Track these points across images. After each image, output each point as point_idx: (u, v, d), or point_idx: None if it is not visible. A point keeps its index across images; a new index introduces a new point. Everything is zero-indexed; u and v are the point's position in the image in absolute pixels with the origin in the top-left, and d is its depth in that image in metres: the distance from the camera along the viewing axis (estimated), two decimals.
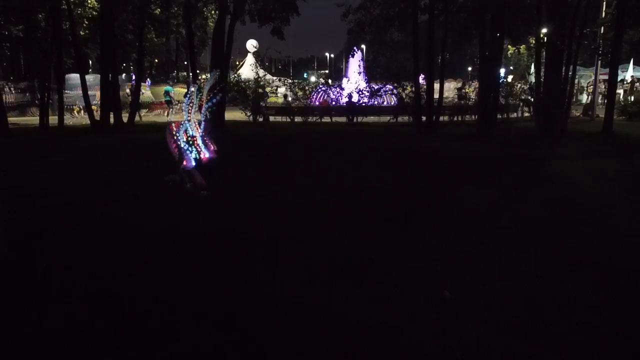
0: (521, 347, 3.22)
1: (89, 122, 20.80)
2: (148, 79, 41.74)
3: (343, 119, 24.30)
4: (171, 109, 27.59)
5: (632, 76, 31.15)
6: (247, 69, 33.23)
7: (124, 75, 38.41)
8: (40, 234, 5.77)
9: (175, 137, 7.83)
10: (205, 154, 7.95)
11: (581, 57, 23.45)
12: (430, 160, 11.84)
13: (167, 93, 28.69)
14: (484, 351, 3.18)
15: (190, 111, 8.06)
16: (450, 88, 28.27)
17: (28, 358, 3.17)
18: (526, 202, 7.30)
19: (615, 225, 6.09)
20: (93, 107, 21.71)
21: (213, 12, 27.17)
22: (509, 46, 40.61)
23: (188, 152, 7.74)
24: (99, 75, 23.72)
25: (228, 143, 15.45)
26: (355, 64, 29.99)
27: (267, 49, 42.96)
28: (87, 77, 23.89)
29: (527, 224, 6.12)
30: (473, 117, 23.71)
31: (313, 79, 49.48)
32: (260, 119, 24.45)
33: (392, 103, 25.88)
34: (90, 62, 43.59)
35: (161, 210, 6.82)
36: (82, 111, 25.64)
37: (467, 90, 25.51)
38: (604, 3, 22.29)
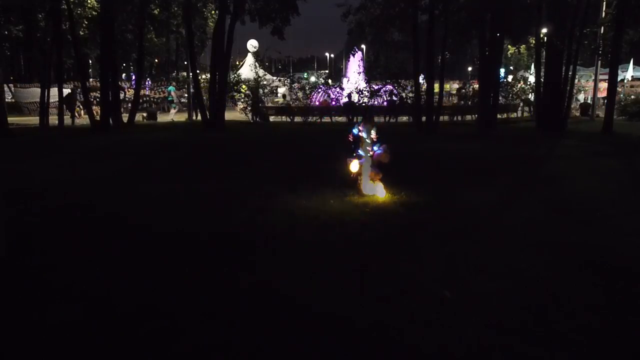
0: (521, 347, 3.23)
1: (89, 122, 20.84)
2: (148, 79, 41.73)
3: (343, 119, 24.30)
4: (174, 109, 27.59)
5: (631, 76, 31.16)
6: (247, 69, 33.19)
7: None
8: (40, 236, 5.77)
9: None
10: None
11: (581, 57, 23.44)
12: (430, 160, 11.84)
13: (169, 93, 28.76)
14: (484, 351, 3.18)
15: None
16: (452, 88, 28.30)
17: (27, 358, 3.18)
18: (526, 202, 7.30)
19: (616, 225, 6.09)
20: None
21: (213, 12, 27.18)
22: (509, 46, 40.59)
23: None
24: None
25: (227, 143, 15.53)
26: (355, 64, 29.98)
27: (267, 49, 42.90)
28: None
29: (527, 223, 6.12)
30: (473, 117, 23.73)
31: (313, 78, 49.45)
32: (258, 119, 24.46)
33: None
34: (90, 62, 43.59)
35: (164, 212, 6.83)
36: (83, 111, 25.65)
37: (466, 90, 25.54)
38: (604, 3, 22.28)
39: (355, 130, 7.64)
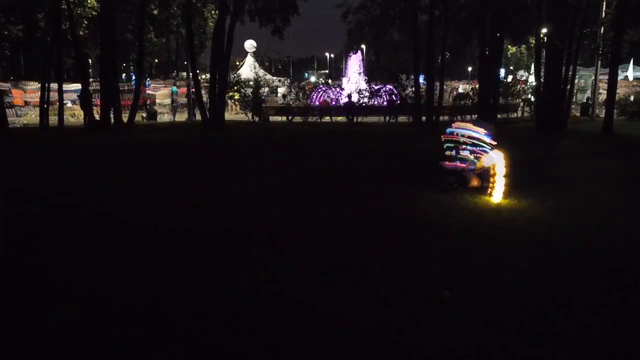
0: (521, 347, 3.22)
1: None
2: (148, 79, 41.64)
3: (343, 119, 24.32)
4: (174, 110, 27.55)
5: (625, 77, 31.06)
6: (247, 69, 33.20)
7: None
8: (40, 236, 5.77)
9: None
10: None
11: (581, 57, 23.43)
12: (431, 159, 11.80)
13: (171, 93, 28.71)
14: (484, 351, 3.18)
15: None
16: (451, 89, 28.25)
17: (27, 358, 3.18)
18: (526, 202, 7.28)
19: (616, 225, 6.08)
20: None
21: (213, 12, 27.19)
22: (509, 46, 40.58)
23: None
24: None
25: (230, 143, 15.54)
26: (355, 64, 29.97)
27: (266, 49, 42.89)
28: None
29: (527, 223, 6.12)
30: (473, 117, 23.71)
31: (313, 79, 49.44)
32: (257, 119, 24.48)
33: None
34: (90, 62, 43.54)
35: (162, 211, 6.82)
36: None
37: (466, 91, 25.54)
38: (604, 3, 22.28)
39: (465, 132, 7.76)
